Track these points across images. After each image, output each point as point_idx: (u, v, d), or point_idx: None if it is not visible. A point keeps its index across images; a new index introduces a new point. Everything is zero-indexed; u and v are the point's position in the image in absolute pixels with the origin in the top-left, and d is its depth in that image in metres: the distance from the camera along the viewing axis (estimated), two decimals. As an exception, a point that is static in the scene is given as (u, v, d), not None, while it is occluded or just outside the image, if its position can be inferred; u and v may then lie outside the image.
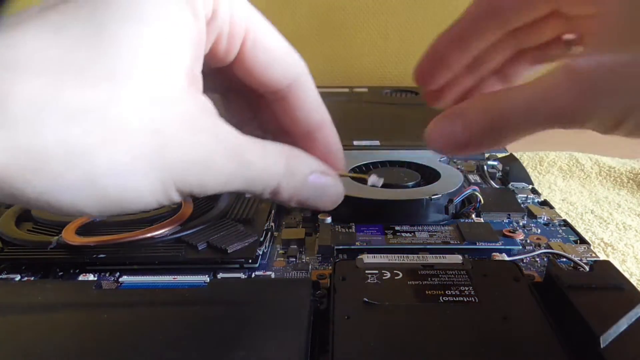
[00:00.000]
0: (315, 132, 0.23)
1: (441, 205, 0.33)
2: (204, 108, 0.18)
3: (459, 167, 0.45)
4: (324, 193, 0.22)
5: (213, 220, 0.32)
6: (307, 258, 0.30)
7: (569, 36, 0.24)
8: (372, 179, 0.25)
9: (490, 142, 0.21)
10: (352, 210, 0.33)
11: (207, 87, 0.19)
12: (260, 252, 0.30)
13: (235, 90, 0.23)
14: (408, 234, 0.31)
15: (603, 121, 0.18)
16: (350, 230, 0.32)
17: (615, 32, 0.18)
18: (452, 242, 0.30)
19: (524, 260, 0.30)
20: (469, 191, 0.34)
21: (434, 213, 0.34)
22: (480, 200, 0.34)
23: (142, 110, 0.15)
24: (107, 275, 0.28)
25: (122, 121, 0.15)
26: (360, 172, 0.39)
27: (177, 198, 0.17)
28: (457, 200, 0.33)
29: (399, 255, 0.27)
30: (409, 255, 0.27)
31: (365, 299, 0.23)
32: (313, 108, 0.22)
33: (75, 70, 0.15)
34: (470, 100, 0.21)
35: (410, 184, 0.36)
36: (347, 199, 0.33)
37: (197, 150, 0.16)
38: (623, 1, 0.18)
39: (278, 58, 0.21)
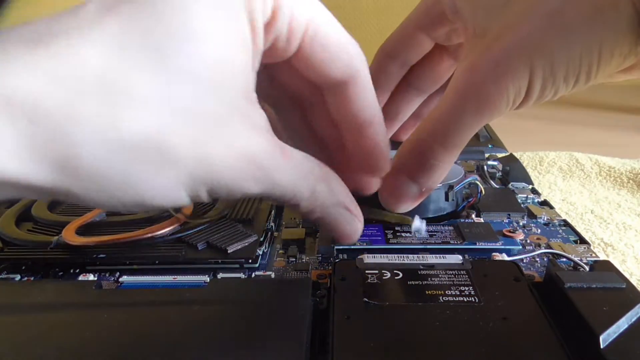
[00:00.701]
0: (366, 128, 0.23)
1: (441, 193, 0.33)
2: (255, 122, 0.18)
3: (459, 164, 0.45)
4: (340, 228, 0.22)
5: (213, 220, 0.32)
6: (307, 258, 0.30)
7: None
8: (416, 223, 0.27)
9: (433, 168, 0.23)
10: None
11: (260, 92, 0.19)
12: (260, 252, 0.30)
13: (287, 94, 0.24)
14: (408, 233, 0.31)
15: (510, 92, 0.20)
16: (350, 230, 0.32)
17: (474, 30, 0.22)
18: (452, 242, 0.30)
19: (524, 260, 0.30)
20: (469, 179, 0.34)
21: (434, 202, 0.33)
22: (481, 191, 0.34)
23: (189, 136, 0.16)
24: (107, 275, 0.28)
25: (175, 149, 0.16)
26: None
27: (205, 199, 0.18)
28: (458, 187, 0.33)
29: (399, 255, 0.27)
30: (409, 255, 0.27)
31: (365, 299, 0.23)
32: (367, 103, 0.22)
33: (135, 98, 0.15)
34: (402, 145, 0.23)
35: None
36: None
37: (236, 160, 0.17)
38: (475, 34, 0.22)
39: (337, 53, 0.21)
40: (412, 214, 0.28)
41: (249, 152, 0.18)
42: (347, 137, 0.23)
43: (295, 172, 0.20)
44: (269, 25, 0.18)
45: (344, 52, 0.21)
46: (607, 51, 0.19)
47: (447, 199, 0.34)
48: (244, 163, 0.18)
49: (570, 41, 0.19)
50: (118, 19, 0.15)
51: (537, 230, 0.34)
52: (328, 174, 0.21)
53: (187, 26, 0.16)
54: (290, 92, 0.24)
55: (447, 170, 0.23)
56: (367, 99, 0.22)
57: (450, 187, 0.33)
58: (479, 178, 0.34)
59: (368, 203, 0.27)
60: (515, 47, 0.20)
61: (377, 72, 0.28)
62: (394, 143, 0.42)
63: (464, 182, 0.34)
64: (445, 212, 0.34)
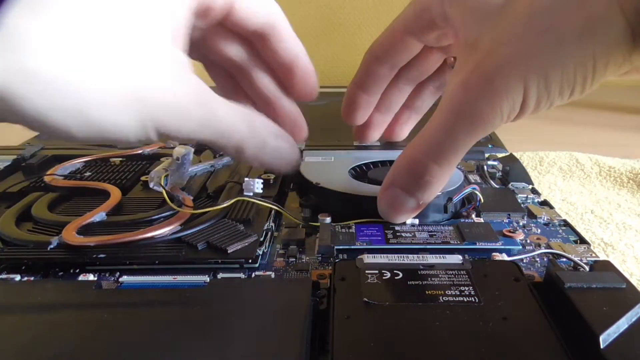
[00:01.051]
0: (295, 61, 0.28)
1: (440, 205, 0.33)
2: (182, 62, 0.20)
3: (459, 166, 0.45)
4: (282, 156, 0.26)
5: (213, 220, 0.32)
6: (307, 258, 0.30)
7: (450, 60, 0.30)
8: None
9: (428, 184, 0.25)
10: (351, 209, 0.33)
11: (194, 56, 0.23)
12: (260, 252, 0.30)
13: (217, 60, 0.28)
14: (408, 234, 0.31)
15: (504, 109, 0.21)
16: (350, 230, 0.32)
17: (465, 43, 0.23)
18: (452, 242, 0.30)
19: (524, 260, 0.30)
20: (468, 190, 0.34)
21: (433, 212, 0.34)
22: (480, 199, 0.34)
23: (130, 56, 0.18)
24: (107, 275, 0.28)
25: (111, 62, 0.17)
26: (360, 172, 0.39)
27: (154, 137, 0.19)
28: (457, 199, 0.33)
29: (399, 255, 0.27)
30: (409, 255, 0.27)
31: (365, 299, 0.23)
32: (291, 40, 0.27)
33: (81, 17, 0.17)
34: (396, 161, 0.26)
35: None
36: (347, 197, 0.34)
37: (173, 96, 0.19)
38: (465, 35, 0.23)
39: (259, 8, 0.26)
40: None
41: (194, 86, 0.20)
42: (283, 78, 0.28)
43: (232, 111, 0.22)
44: None
45: (265, 2, 0.26)
46: (601, 64, 0.20)
47: (445, 211, 0.34)
48: (193, 94, 0.20)
49: (563, 56, 0.20)
50: None
51: (537, 230, 0.34)
52: (259, 114, 0.25)
53: None
54: (226, 59, 0.28)
55: (443, 184, 0.24)
56: (290, 37, 0.27)
57: (449, 199, 0.33)
58: (478, 188, 0.34)
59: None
60: (508, 64, 0.20)
61: (367, 75, 0.30)
62: (389, 144, 0.42)
63: (463, 193, 0.34)
64: (443, 221, 0.34)
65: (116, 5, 0.18)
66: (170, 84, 0.19)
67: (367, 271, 0.25)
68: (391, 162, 0.40)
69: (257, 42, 0.27)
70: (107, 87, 0.17)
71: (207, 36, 0.26)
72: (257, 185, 0.28)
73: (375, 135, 0.36)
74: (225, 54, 0.28)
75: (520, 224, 0.34)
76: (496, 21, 0.21)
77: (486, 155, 0.48)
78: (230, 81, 0.29)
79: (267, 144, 0.24)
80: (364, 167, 0.40)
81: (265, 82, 0.29)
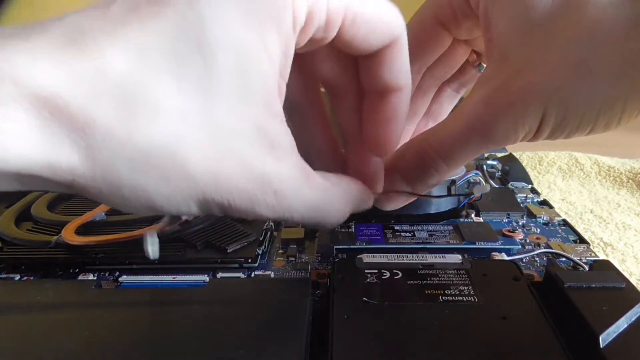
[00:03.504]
0: (392, 93, 0.22)
1: (443, 187, 0.33)
2: (273, 145, 0.18)
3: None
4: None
5: (213, 219, 0.32)
6: (307, 258, 0.30)
7: (473, 57, 0.27)
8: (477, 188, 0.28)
9: (432, 178, 0.23)
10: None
11: (293, 89, 0.20)
12: (260, 252, 0.30)
13: (317, 81, 0.23)
14: (407, 233, 0.31)
15: (519, 133, 0.20)
16: (349, 230, 0.32)
17: (498, 51, 0.21)
18: (451, 241, 0.30)
19: (524, 260, 0.30)
20: (471, 174, 0.34)
21: (437, 193, 0.33)
22: (482, 183, 0.34)
23: (205, 156, 0.16)
24: (106, 274, 0.28)
25: (186, 166, 0.16)
26: None
27: (217, 213, 0.18)
28: (460, 182, 0.33)
29: (398, 254, 0.27)
30: (408, 254, 0.27)
31: (365, 299, 0.23)
32: (400, 67, 0.21)
33: (151, 106, 0.15)
34: (403, 149, 0.23)
35: None
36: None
37: (245, 187, 0.17)
38: (496, 28, 0.21)
39: (376, 25, 0.20)
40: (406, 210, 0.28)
41: (263, 176, 0.17)
42: (367, 109, 0.22)
43: (319, 198, 0.20)
44: (304, 28, 0.18)
45: (383, 23, 0.20)
46: (631, 109, 0.19)
47: (449, 192, 0.33)
48: (256, 187, 0.17)
49: (592, 94, 0.18)
50: (140, 23, 0.15)
51: (537, 229, 0.34)
52: (354, 186, 0.22)
53: (209, 34, 0.16)
54: (321, 77, 0.23)
55: (443, 180, 0.24)
56: (401, 64, 0.21)
57: (453, 181, 0.33)
58: (480, 173, 0.34)
59: None
60: (532, 91, 0.19)
61: None
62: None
63: (467, 176, 0.34)
64: (447, 209, 0.34)
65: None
66: (253, 167, 0.17)
67: (366, 271, 0.25)
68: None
69: (361, 59, 0.22)
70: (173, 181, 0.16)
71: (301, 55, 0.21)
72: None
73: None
74: (320, 76, 0.23)
75: (520, 223, 0.34)
76: (534, 36, 0.20)
77: (485, 154, 0.48)
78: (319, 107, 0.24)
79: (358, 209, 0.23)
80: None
81: (353, 114, 0.23)
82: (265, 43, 0.17)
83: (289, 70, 0.18)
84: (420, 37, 0.25)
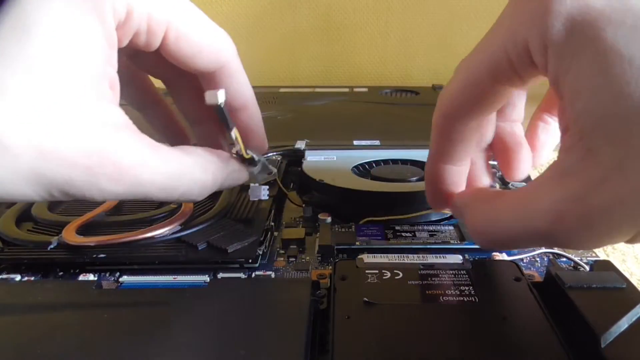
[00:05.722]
0: (240, 112, 0.25)
1: None
2: (107, 122, 0.18)
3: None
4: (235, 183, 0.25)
5: (213, 219, 0.32)
6: (307, 258, 0.30)
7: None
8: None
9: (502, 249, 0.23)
10: (355, 206, 0.33)
11: (125, 78, 0.21)
12: (260, 252, 0.30)
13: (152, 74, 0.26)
14: (408, 233, 0.31)
15: (613, 242, 0.17)
16: (350, 229, 0.32)
17: (579, 136, 0.16)
18: (452, 241, 0.30)
19: (524, 260, 0.30)
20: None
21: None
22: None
23: (27, 131, 0.16)
24: (107, 275, 0.28)
25: (5, 142, 0.16)
26: (363, 171, 0.39)
27: (62, 198, 0.18)
28: None
29: (399, 255, 0.27)
30: (409, 255, 0.27)
31: (366, 299, 0.23)
32: (239, 89, 0.24)
33: None
34: (471, 205, 0.22)
35: (413, 178, 0.36)
36: (351, 193, 0.34)
37: (76, 172, 0.17)
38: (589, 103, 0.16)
39: (202, 48, 0.22)
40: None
41: (96, 150, 0.18)
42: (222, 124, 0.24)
43: (172, 167, 0.20)
44: (125, 24, 0.19)
45: (209, 47, 0.22)
46: None
47: None
48: (92, 160, 0.18)
49: None
50: None
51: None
52: (209, 157, 0.23)
53: (29, 19, 0.17)
54: (154, 74, 0.25)
55: None
56: (239, 85, 0.24)
57: None
58: (496, 184, 0.35)
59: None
60: (621, 211, 0.15)
61: (451, 144, 0.22)
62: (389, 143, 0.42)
63: None
64: (448, 215, 0.34)
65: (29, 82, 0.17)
66: (85, 141, 0.18)
67: (367, 271, 0.25)
68: (393, 160, 0.40)
69: (196, 78, 0.24)
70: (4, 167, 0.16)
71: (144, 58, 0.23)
72: (264, 192, 0.27)
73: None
74: (156, 73, 0.25)
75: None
76: (628, 133, 0.15)
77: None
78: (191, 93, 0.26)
79: (223, 185, 0.24)
80: (367, 166, 0.40)
81: (198, 111, 0.27)
82: (86, 26, 0.18)
83: (115, 58, 0.20)
84: (475, 97, 0.20)
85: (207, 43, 0.22)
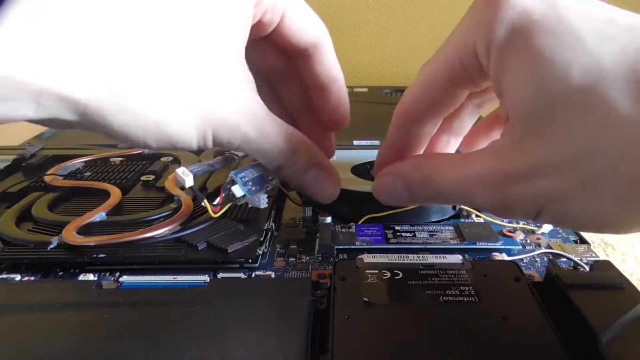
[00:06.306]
0: (332, 85, 0.27)
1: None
2: (245, 81, 0.22)
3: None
4: (320, 187, 0.25)
5: (213, 220, 0.32)
6: (307, 258, 0.30)
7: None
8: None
9: (433, 203, 0.25)
10: (354, 206, 0.33)
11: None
12: (260, 252, 0.30)
13: (259, 71, 0.27)
14: (408, 233, 0.31)
15: (520, 216, 0.19)
16: (350, 230, 0.32)
17: (510, 122, 0.19)
18: (452, 242, 0.30)
19: (524, 260, 0.30)
20: None
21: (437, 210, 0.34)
22: None
23: (200, 78, 0.20)
24: (107, 275, 0.28)
25: (184, 87, 0.19)
26: (362, 171, 0.39)
27: (210, 145, 0.21)
28: None
29: (399, 255, 0.27)
30: (409, 255, 0.27)
31: (365, 299, 0.23)
32: (333, 64, 0.26)
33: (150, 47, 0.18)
34: (409, 164, 0.23)
35: None
36: (350, 194, 0.34)
37: (232, 115, 0.21)
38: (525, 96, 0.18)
39: (309, 23, 0.25)
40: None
41: (248, 105, 0.21)
42: (315, 98, 0.27)
43: (280, 132, 0.23)
44: (259, 3, 0.22)
45: (313, 24, 0.25)
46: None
47: (454, 207, 0.34)
48: (245, 112, 0.21)
49: (595, 214, 0.17)
50: None
51: (538, 230, 0.34)
52: (305, 140, 0.24)
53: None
54: (263, 68, 0.27)
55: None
56: (332, 60, 0.26)
57: None
58: None
59: None
60: (528, 193, 0.18)
61: (405, 139, 0.25)
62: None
63: None
64: (447, 216, 0.34)
65: (186, 33, 0.19)
66: (231, 103, 0.21)
67: (367, 271, 0.25)
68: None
69: (298, 58, 0.26)
70: (179, 109, 0.19)
71: (249, 44, 0.24)
72: (263, 201, 0.27)
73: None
74: (266, 63, 0.27)
75: (520, 223, 0.34)
76: (546, 121, 0.17)
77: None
78: (267, 88, 0.28)
79: (306, 172, 0.24)
80: (368, 166, 0.40)
81: (299, 98, 0.28)
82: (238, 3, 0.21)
83: (247, 36, 0.22)
84: (431, 99, 0.23)
85: (312, 19, 0.25)
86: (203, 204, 0.25)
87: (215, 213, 0.26)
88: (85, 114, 0.18)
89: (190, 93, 0.20)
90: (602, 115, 0.16)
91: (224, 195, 0.26)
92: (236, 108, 0.21)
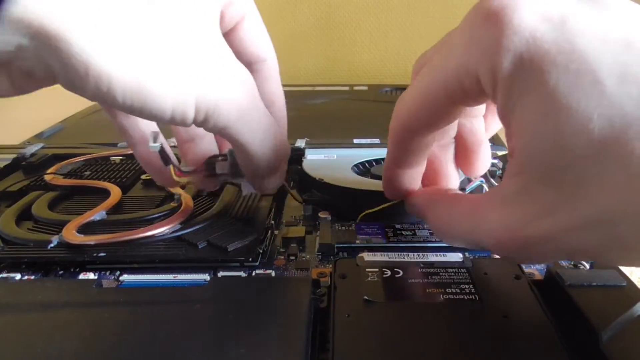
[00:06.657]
0: (270, 107, 0.27)
1: None
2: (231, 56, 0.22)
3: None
4: (277, 181, 0.28)
5: (213, 218, 0.32)
6: (308, 256, 0.30)
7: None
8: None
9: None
10: (355, 204, 0.33)
11: None
12: (261, 251, 0.30)
13: None
14: (408, 232, 0.31)
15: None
16: (350, 228, 0.32)
17: (518, 169, 0.18)
18: (452, 240, 0.30)
19: (525, 258, 0.30)
20: (476, 183, 0.34)
21: None
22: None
23: (190, 42, 0.20)
24: (107, 274, 0.28)
25: (171, 49, 0.19)
26: (363, 169, 0.39)
27: (191, 114, 0.20)
28: (467, 191, 0.33)
29: (399, 253, 0.27)
30: (409, 253, 0.27)
31: (366, 297, 0.23)
32: (274, 86, 0.29)
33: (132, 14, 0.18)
34: (427, 204, 0.25)
35: None
36: (351, 192, 0.34)
37: (222, 82, 0.21)
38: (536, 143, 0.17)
39: (262, 38, 0.27)
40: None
41: (243, 78, 0.23)
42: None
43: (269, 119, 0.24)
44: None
45: (265, 41, 0.27)
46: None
47: None
48: (243, 86, 0.22)
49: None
50: None
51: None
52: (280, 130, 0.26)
53: None
54: None
55: None
56: (275, 84, 0.29)
57: (462, 190, 0.33)
58: (485, 181, 0.34)
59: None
60: (544, 250, 0.18)
61: (407, 152, 0.24)
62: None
63: (472, 186, 0.34)
64: None
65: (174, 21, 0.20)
66: (220, 70, 0.21)
67: (367, 269, 0.25)
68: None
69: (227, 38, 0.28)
70: (164, 67, 0.19)
71: None
72: (246, 188, 0.28)
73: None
74: None
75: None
76: (562, 178, 0.16)
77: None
78: None
79: (280, 168, 0.27)
80: (367, 164, 0.40)
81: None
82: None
83: (219, 14, 0.23)
84: (431, 114, 0.22)
85: (265, 34, 0.27)
86: (169, 167, 0.25)
87: (178, 177, 0.25)
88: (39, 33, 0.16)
89: (183, 55, 0.20)
90: (629, 173, 0.15)
91: (205, 166, 0.26)
92: (236, 85, 0.22)
